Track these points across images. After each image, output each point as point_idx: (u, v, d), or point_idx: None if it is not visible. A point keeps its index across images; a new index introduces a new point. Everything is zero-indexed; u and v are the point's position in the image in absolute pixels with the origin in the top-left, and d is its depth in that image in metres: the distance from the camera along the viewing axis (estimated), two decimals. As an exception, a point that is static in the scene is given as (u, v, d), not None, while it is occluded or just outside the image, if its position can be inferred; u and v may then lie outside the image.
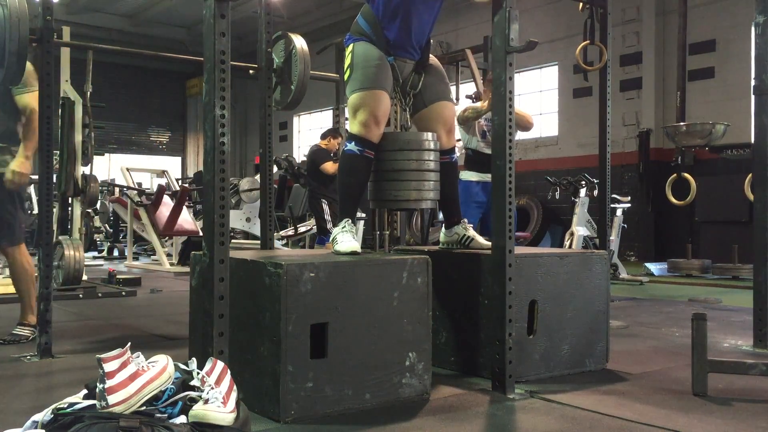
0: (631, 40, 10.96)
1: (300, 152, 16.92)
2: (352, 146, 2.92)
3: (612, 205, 6.84)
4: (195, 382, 1.81)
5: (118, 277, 6.79)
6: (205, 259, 2.23)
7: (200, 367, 1.88)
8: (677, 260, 8.49)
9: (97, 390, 1.67)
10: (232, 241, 8.41)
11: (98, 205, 10.85)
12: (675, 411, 2.46)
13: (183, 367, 1.87)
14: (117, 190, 10.92)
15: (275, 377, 2.30)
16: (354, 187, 2.98)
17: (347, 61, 3.06)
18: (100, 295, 5.85)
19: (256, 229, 8.91)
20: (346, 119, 3.08)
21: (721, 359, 2.83)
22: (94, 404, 1.67)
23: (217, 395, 1.76)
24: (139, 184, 11.47)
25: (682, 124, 4.38)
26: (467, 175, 5.26)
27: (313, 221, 8.01)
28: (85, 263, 6.27)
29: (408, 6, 3.00)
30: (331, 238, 2.92)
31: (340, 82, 5.15)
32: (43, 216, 3.38)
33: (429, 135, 3.05)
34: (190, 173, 18.25)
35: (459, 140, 5.13)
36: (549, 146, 12.19)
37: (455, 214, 3.25)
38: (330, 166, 6.94)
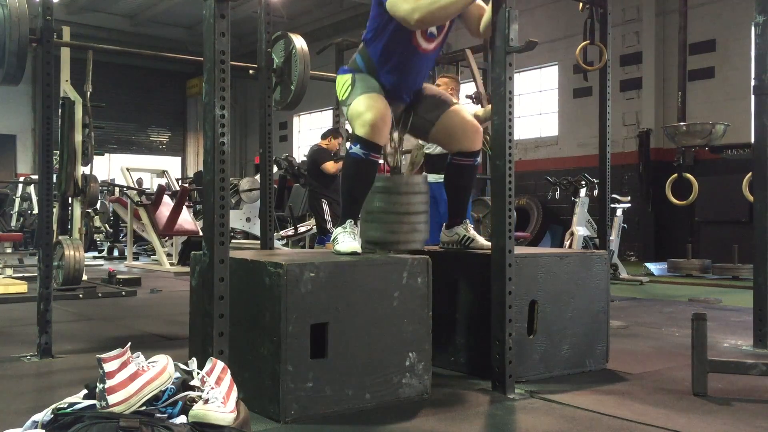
0: (631, 40, 10.96)
1: (300, 152, 16.92)
2: (357, 149, 2.78)
3: (612, 205, 6.83)
4: (195, 382, 1.81)
5: (118, 277, 6.79)
6: (205, 259, 2.23)
7: (200, 367, 1.88)
8: (677, 260, 8.49)
9: (97, 390, 1.67)
10: (232, 241, 8.42)
11: (98, 205, 10.85)
12: (675, 411, 2.46)
13: (183, 367, 1.87)
14: (117, 190, 10.92)
15: (275, 377, 2.30)
16: (358, 191, 2.92)
17: (344, 84, 2.97)
18: (100, 295, 5.85)
19: (256, 229, 8.91)
20: (347, 120, 3.02)
21: (721, 359, 2.83)
22: (94, 404, 1.67)
23: (217, 395, 1.76)
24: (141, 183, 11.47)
25: (682, 124, 4.38)
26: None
27: (313, 221, 8.00)
28: (85, 263, 6.26)
29: (405, 55, 2.95)
30: (332, 238, 2.91)
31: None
32: (43, 216, 3.38)
33: (419, 178, 3.03)
34: (190, 173, 18.25)
35: None
36: (549, 146, 12.20)
37: (459, 215, 3.22)
38: (331, 166, 6.93)
